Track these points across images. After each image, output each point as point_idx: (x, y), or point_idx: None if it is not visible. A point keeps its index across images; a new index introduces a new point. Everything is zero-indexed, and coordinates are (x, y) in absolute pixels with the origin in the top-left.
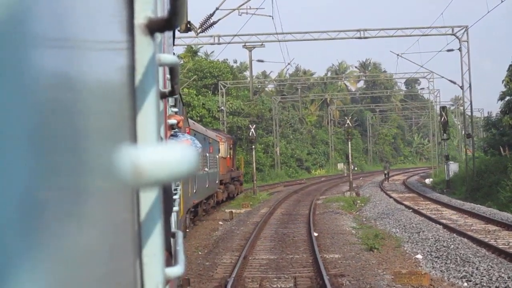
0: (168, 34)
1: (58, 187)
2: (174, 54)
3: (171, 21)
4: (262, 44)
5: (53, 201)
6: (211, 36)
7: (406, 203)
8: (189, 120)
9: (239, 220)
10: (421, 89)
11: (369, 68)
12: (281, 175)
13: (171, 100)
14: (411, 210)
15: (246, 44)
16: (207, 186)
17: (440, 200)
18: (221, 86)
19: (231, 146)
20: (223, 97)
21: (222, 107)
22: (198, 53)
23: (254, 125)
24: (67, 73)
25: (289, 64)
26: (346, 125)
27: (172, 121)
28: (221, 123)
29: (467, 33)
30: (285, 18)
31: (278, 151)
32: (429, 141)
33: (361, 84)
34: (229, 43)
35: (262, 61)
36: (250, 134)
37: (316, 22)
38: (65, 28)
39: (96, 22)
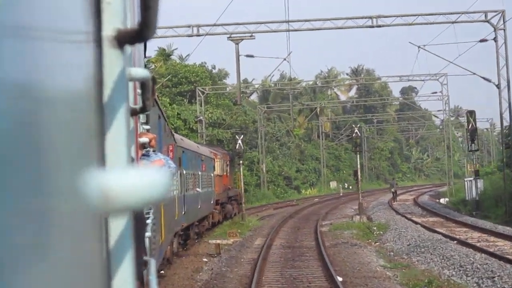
0: (139, 45)
1: (15, 214)
2: (145, 65)
3: (142, 33)
4: (251, 35)
5: (8, 231)
6: (188, 27)
7: (440, 230)
8: (175, 135)
9: (230, 257)
10: (432, 93)
11: (362, 75)
12: (269, 196)
13: (142, 117)
14: (455, 242)
15: (232, 35)
16: (199, 207)
17: (480, 226)
18: (199, 93)
19: (228, 162)
20: (201, 105)
21: (201, 117)
22: (172, 56)
23: (242, 136)
24: (27, 85)
25: (285, 59)
26: (354, 134)
27: (144, 139)
28: (199, 135)
29: (503, 19)
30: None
31: (264, 168)
32: (428, 155)
33: (352, 93)
34: (210, 34)
35: (252, 56)
36: (237, 147)
37: (322, 10)
38: (26, 36)
39: (60, 32)
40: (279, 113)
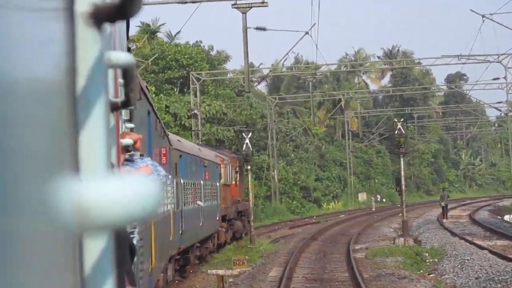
0: (120, 24)
1: None
2: (129, 49)
3: (124, 8)
4: (263, 2)
5: None
6: None
7: None
8: (170, 135)
9: None
10: (493, 79)
11: (397, 58)
12: (281, 211)
13: (124, 113)
14: None
15: (238, 2)
16: (201, 225)
17: None
18: (193, 80)
19: (238, 169)
20: (196, 95)
21: (195, 110)
22: (158, 34)
23: (250, 134)
24: None
25: (306, 33)
26: (397, 131)
27: (127, 141)
28: (194, 134)
29: None
30: None
31: (276, 176)
32: (481, 160)
33: (385, 81)
34: (208, 0)
35: (263, 29)
36: (244, 148)
37: None
38: None
39: (21, 7)
40: (294, 106)
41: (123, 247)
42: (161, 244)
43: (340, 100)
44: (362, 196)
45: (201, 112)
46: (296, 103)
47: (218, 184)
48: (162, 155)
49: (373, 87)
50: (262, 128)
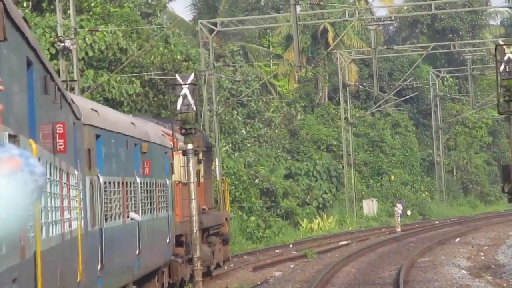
0: None
1: None
2: None
3: None
4: None
5: None
6: None
7: None
8: (79, 101)
9: None
10: None
11: None
12: (231, 234)
13: None
14: None
15: None
16: (137, 253)
17: None
18: None
19: (202, 155)
20: (67, 15)
21: (67, 41)
22: None
23: (191, 77)
24: None
25: None
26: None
27: None
28: (66, 85)
29: None
30: None
31: (217, 170)
32: None
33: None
34: None
35: None
36: (180, 108)
37: None
38: None
39: None
40: (245, 43)
41: None
42: None
43: (325, 31)
44: (369, 205)
45: (77, 45)
46: (250, 35)
47: (168, 182)
48: (56, 136)
49: (380, 12)
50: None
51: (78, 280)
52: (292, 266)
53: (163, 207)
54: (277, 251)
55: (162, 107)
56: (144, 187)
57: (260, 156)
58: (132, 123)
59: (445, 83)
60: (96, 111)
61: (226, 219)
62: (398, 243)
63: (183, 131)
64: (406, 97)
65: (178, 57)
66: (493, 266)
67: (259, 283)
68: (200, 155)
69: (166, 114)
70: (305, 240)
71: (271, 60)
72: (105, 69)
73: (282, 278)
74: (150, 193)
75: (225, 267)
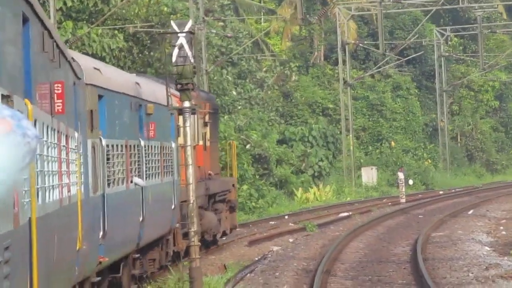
0: None
1: None
2: None
3: None
4: None
5: None
6: None
7: None
8: (80, 59)
9: None
10: None
11: None
12: None
13: None
14: None
15: None
16: (141, 220)
17: None
18: None
19: (208, 118)
20: None
21: None
22: None
23: (189, 24)
24: None
25: None
26: None
27: None
28: None
29: None
30: None
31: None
32: None
33: None
34: None
35: None
36: (175, 60)
37: None
38: None
39: None
40: None
41: None
42: (53, 262)
43: None
44: (369, 174)
45: None
46: None
47: (173, 145)
48: (54, 96)
49: None
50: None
51: (77, 248)
52: (291, 240)
53: (169, 171)
54: (272, 223)
55: (148, 65)
56: (148, 150)
57: (251, 120)
58: (136, 83)
59: (449, 43)
60: (98, 70)
61: (233, 185)
62: (406, 216)
63: (178, 86)
64: (409, 57)
65: (165, 9)
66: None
67: (256, 259)
68: (207, 117)
69: (151, 72)
70: (302, 211)
71: (263, 15)
72: (85, 21)
73: (284, 254)
74: (154, 156)
75: (224, 239)
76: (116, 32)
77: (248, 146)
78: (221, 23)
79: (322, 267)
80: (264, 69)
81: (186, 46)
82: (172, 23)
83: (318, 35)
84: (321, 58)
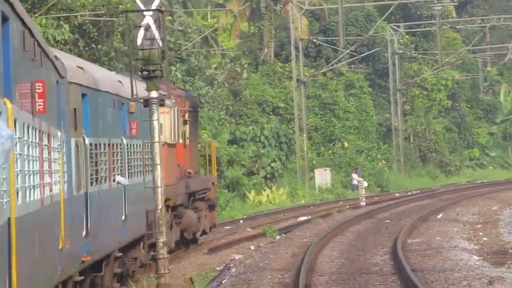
0: None
1: None
2: None
3: None
4: None
5: None
6: None
7: None
8: (64, 57)
9: None
10: None
11: None
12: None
13: None
14: None
15: None
16: (123, 218)
17: None
18: None
19: (187, 115)
20: None
21: None
22: None
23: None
24: None
25: None
26: None
27: None
28: None
29: None
30: None
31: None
32: None
33: None
34: None
35: None
36: (141, 42)
37: None
38: None
39: None
40: None
41: None
42: (35, 262)
43: None
44: (322, 176)
45: None
46: None
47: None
48: (36, 95)
49: None
50: (120, 33)
51: (60, 247)
52: (252, 247)
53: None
54: (227, 227)
55: (95, 59)
56: (131, 149)
57: (201, 119)
58: (119, 81)
59: (400, 40)
60: (82, 68)
61: (212, 183)
62: (372, 220)
63: (144, 73)
64: (365, 54)
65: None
66: (510, 250)
67: (218, 268)
68: (186, 116)
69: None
70: (257, 215)
71: (212, 10)
72: (28, 11)
73: (253, 265)
74: (137, 155)
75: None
76: (62, 22)
77: (198, 147)
78: (169, 17)
79: (303, 280)
80: (214, 66)
81: (153, 27)
82: (137, 0)
83: (268, 31)
84: (271, 55)
